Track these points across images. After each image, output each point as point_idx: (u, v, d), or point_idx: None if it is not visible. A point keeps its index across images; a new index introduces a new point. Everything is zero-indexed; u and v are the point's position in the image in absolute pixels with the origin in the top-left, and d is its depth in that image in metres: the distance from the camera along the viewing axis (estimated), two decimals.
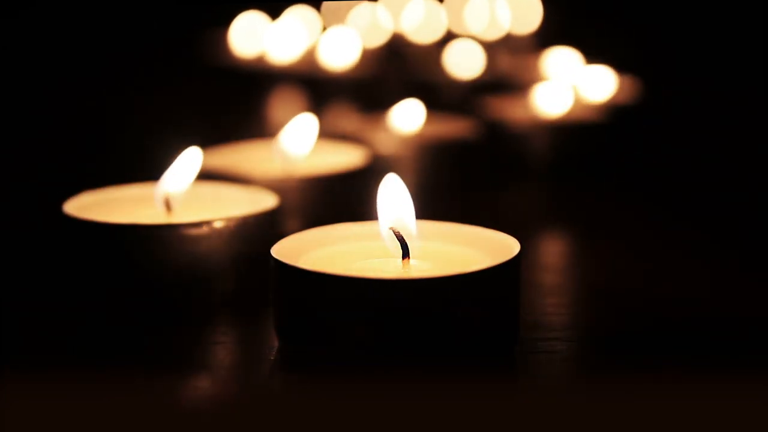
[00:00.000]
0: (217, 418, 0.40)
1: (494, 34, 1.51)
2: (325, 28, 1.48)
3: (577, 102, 0.92)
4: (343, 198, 0.65)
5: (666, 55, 1.45)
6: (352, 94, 1.23)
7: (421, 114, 0.80)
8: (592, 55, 1.03)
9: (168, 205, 0.56)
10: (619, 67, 1.12)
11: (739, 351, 0.46)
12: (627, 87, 1.01)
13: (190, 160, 0.57)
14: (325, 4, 1.59)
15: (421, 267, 0.47)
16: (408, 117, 0.80)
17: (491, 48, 1.37)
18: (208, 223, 0.51)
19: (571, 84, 0.98)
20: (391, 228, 0.47)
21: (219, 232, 0.51)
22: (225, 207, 0.57)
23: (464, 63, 1.22)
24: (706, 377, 0.43)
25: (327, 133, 0.85)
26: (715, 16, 1.39)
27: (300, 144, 0.68)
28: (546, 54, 1.19)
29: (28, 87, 1.37)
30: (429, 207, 0.64)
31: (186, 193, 0.57)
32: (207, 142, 0.75)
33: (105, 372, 0.44)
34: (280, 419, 0.40)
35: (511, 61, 1.23)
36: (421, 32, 1.53)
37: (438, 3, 1.63)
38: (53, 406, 0.40)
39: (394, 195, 0.48)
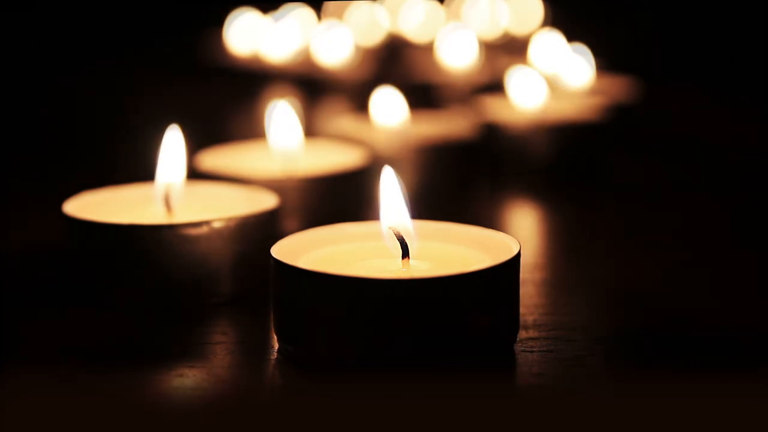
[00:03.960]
0: (217, 418, 0.40)
1: (493, 34, 1.51)
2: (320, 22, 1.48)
3: (554, 91, 0.92)
4: (343, 198, 0.65)
5: (666, 55, 1.45)
6: (348, 93, 1.23)
7: (402, 104, 0.80)
8: (595, 55, 1.03)
9: (168, 205, 0.56)
10: (619, 67, 1.12)
11: (740, 351, 0.46)
12: (627, 87, 1.01)
13: (174, 142, 0.57)
14: (326, 4, 1.59)
15: (421, 267, 0.47)
16: (389, 109, 0.80)
17: (490, 48, 1.38)
18: (208, 223, 0.51)
19: (550, 72, 0.98)
20: (390, 228, 0.47)
21: (219, 232, 0.51)
22: (225, 207, 0.57)
23: (462, 63, 1.22)
24: (706, 377, 0.43)
25: (326, 133, 0.85)
26: (716, 15, 1.39)
27: (290, 137, 0.68)
28: (532, 40, 1.19)
29: (27, 87, 1.37)
30: (429, 207, 0.64)
31: (185, 190, 0.57)
32: (206, 142, 0.75)
33: (104, 371, 0.44)
34: (280, 419, 0.40)
35: (510, 62, 1.23)
36: (419, 32, 1.53)
37: (438, 3, 1.64)
38: (51, 405, 0.40)
39: (391, 193, 0.48)
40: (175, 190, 0.56)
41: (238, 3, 1.53)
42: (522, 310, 0.49)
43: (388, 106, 0.80)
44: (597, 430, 0.38)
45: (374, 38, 1.50)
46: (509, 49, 1.40)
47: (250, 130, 1.05)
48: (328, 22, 1.44)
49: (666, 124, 1.08)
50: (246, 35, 1.48)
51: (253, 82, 1.33)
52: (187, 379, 0.43)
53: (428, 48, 1.35)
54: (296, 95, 1.24)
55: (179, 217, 0.55)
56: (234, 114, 1.19)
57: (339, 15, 1.57)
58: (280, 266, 0.44)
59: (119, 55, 1.57)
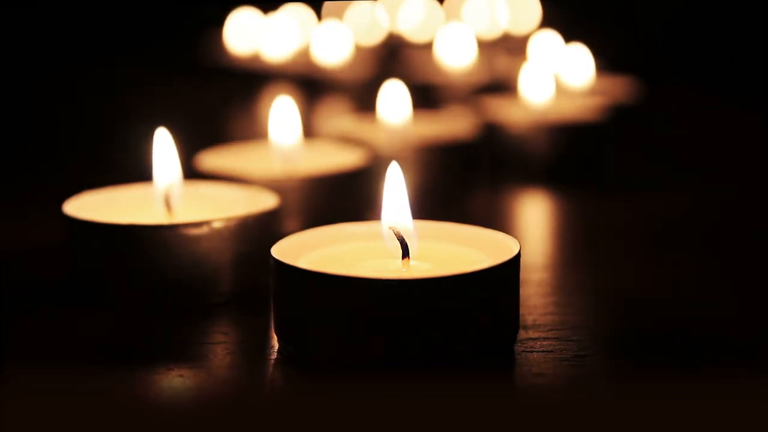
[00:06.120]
0: (218, 418, 0.40)
1: (492, 34, 1.51)
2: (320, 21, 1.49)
3: (560, 88, 0.93)
4: (343, 198, 0.65)
5: (666, 55, 1.45)
6: (348, 93, 1.23)
7: (406, 101, 0.80)
8: (595, 55, 1.03)
9: (168, 205, 0.56)
10: (619, 67, 1.12)
11: (740, 350, 0.46)
12: (627, 87, 1.01)
13: (164, 142, 0.56)
14: (326, 4, 1.59)
15: (421, 267, 0.47)
16: (395, 105, 0.80)
17: (489, 47, 1.37)
18: (208, 223, 0.51)
19: (553, 69, 0.98)
20: (390, 228, 0.47)
21: (219, 232, 0.51)
22: (225, 207, 0.57)
23: (461, 62, 1.22)
24: (706, 377, 0.43)
25: (326, 133, 0.85)
26: (716, 15, 1.39)
27: (291, 135, 0.68)
28: (531, 39, 1.19)
29: (26, 87, 1.37)
30: (429, 207, 0.64)
31: (185, 190, 0.57)
32: (207, 142, 0.75)
33: (104, 371, 0.44)
34: (280, 419, 0.40)
35: (509, 61, 1.23)
36: (419, 32, 1.53)
37: (437, 2, 1.63)
38: (50, 405, 0.40)
39: (394, 191, 0.48)
40: (175, 190, 0.56)
41: (238, 3, 1.53)
42: (522, 310, 0.49)
43: (394, 102, 0.80)
44: (597, 430, 0.38)
45: (374, 38, 1.50)
46: (508, 48, 1.40)
47: (250, 130, 1.05)
48: (327, 22, 1.44)
49: (666, 124, 1.08)
50: (246, 35, 1.48)
51: (252, 82, 1.33)
52: (188, 380, 0.43)
53: (427, 48, 1.35)
54: (296, 95, 1.24)
55: (179, 217, 0.55)
56: (234, 114, 1.19)
57: (339, 15, 1.57)
58: (280, 266, 0.44)
59: (119, 54, 1.57)
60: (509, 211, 0.76)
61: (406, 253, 0.47)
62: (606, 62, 1.10)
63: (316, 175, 0.64)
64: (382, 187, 0.48)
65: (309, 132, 0.80)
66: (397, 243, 0.47)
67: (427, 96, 1.08)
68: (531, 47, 1.16)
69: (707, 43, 1.40)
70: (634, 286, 0.56)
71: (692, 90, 1.28)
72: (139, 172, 0.62)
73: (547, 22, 1.51)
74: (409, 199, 0.48)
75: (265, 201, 0.55)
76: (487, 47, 1.35)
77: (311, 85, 1.28)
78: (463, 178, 0.79)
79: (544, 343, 0.46)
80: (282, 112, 0.69)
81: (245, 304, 0.52)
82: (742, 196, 0.77)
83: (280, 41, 1.40)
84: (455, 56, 1.22)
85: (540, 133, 0.81)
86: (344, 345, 0.43)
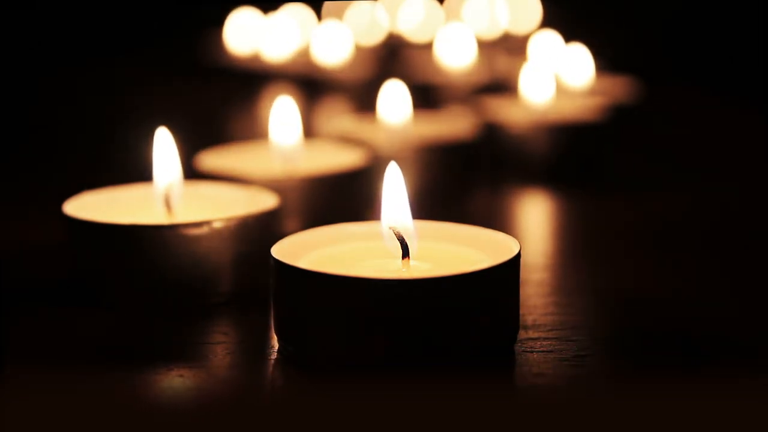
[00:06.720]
0: (218, 418, 0.40)
1: (492, 34, 1.51)
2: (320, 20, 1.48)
3: (560, 88, 0.93)
4: (343, 198, 0.65)
5: (666, 55, 1.45)
6: (348, 93, 1.23)
7: (406, 101, 0.80)
8: (595, 55, 1.03)
9: (168, 205, 0.56)
10: (619, 67, 1.12)
11: (740, 350, 0.46)
12: (627, 87, 1.01)
13: (165, 142, 0.56)
14: (326, 4, 1.59)
15: (421, 267, 0.47)
16: (395, 105, 0.80)
17: (489, 47, 1.37)
18: (208, 223, 0.51)
19: (553, 69, 0.98)
20: (391, 228, 0.47)
21: (219, 232, 0.51)
22: (225, 207, 0.57)
23: (461, 62, 1.22)
24: (706, 377, 0.43)
25: (326, 133, 0.85)
26: (716, 15, 1.39)
27: (291, 135, 0.68)
28: (531, 40, 1.19)
29: (27, 87, 1.37)
30: (429, 207, 0.64)
31: (185, 190, 0.57)
32: (207, 142, 0.75)
33: (104, 372, 0.44)
34: (280, 419, 0.40)
35: (509, 61, 1.23)
36: (419, 32, 1.53)
37: (437, 2, 1.63)
38: (50, 405, 0.40)
39: (393, 191, 0.48)
40: (175, 190, 0.56)
41: (238, 3, 1.53)
42: (522, 310, 0.49)
43: (394, 102, 0.80)
44: (597, 430, 0.38)
45: (374, 38, 1.50)
46: (508, 48, 1.40)
47: (250, 130, 1.05)
48: (327, 22, 1.44)
49: (666, 124, 1.08)
50: (246, 35, 1.48)
51: (252, 82, 1.33)
52: (188, 380, 0.43)
53: (427, 48, 1.35)
54: (296, 95, 1.24)
55: (179, 217, 0.55)
56: (234, 114, 1.19)
57: (339, 15, 1.57)
58: (280, 266, 0.44)
59: (119, 54, 1.57)
60: (509, 211, 0.76)
61: (406, 253, 0.47)
62: (606, 62, 1.10)
63: (316, 175, 0.64)
64: (382, 187, 0.48)
65: (309, 132, 0.80)
66: (397, 243, 0.47)
67: (427, 96, 1.08)
68: (531, 47, 1.16)
69: (707, 43, 1.40)
70: (634, 286, 0.56)
71: (692, 90, 1.28)
72: (139, 172, 0.62)
73: (547, 22, 1.51)
74: (409, 199, 0.48)
75: (265, 201, 0.55)
76: (487, 47, 1.35)
77: (311, 85, 1.28)
78: (463, 178, 0.79)
79: (544, 343, 0.46)
80: (282, 112, 0.69)
81: (245, 304, 0.52)
82: (742, 196, 0.77)
83: (280, 41, 1.40)
84: (455, 56, 1.22)
85: (540, 133, 0.81)
86: (344, 345, 0.43)
